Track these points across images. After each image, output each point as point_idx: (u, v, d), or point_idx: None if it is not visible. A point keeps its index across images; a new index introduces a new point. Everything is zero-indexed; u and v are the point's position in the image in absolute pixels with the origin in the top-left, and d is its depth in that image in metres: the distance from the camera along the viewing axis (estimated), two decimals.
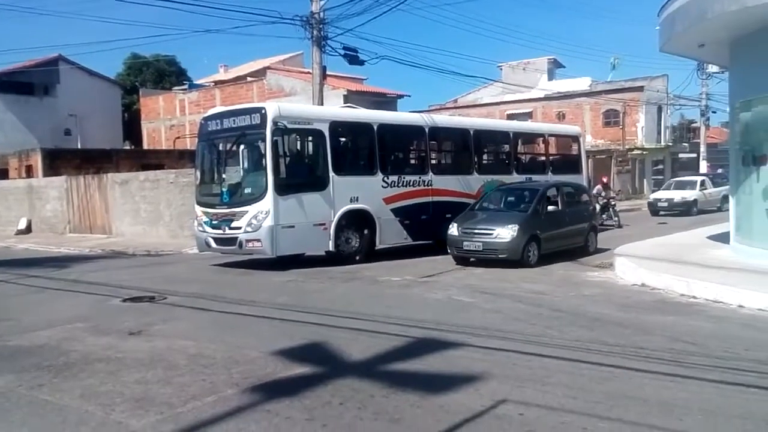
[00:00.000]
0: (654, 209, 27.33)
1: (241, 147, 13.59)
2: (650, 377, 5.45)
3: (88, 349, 6.87)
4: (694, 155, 45.28)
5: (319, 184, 13.33)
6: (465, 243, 12.67)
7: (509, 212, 13.43)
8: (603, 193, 22.88)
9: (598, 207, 22.43)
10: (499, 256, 12.35)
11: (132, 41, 67.24)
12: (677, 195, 27.26)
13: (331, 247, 13.46)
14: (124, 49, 56.80)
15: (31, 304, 10.09)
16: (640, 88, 41.27)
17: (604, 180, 24.90)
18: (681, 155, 48.57)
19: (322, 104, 19.33)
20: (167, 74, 52.94)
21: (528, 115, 42.95)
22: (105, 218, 22.48)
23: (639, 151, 41.40)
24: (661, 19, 12.02)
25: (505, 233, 12.34)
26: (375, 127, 14.59)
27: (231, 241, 13.07)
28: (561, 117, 42.07)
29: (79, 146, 37.07)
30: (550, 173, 18.81)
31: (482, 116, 37.69)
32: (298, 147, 13.97)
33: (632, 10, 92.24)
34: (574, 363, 5.88)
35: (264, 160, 12.82)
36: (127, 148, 42.51)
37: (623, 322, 7.60)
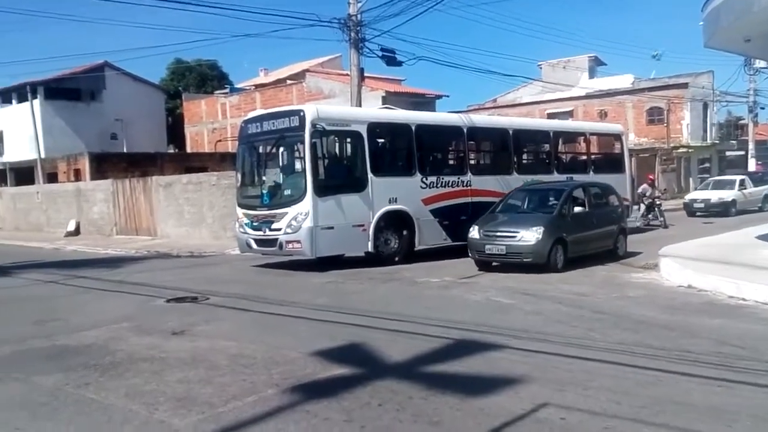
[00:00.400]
0: (690, 210, 26.26)
1: (281, 149, 13.72)
2: (697, 382, 5.31)
3: (132, 348, 7.01)
4: (742, 153, 44.04)
5: (358, 185, 13.36)
6: (487, 246, 12.04)
7: (533, 214, 12.80)
8: (648, 192, 22.25)
9: (643, 207, 22.02)
10: (524, 260, 11.74)
11: (175, 46, 68.77)
12: (714, 195, 26.13)
13: (370, 248, 13.48)
14: (168, 54, 58.03)
15: (79, 305, 10.35)
16: (685, 85, 40.35)
17: (651, 179, 24.09)
18: (728, 153, 47.34)
19: (360, 106, 19.39)
20: (209, 78, 53.81)
21: (569, 114, 42.38)
22: (150, 220, 22.94)
23: (684, 150, 40.47)
24: (705, 14, 11.71)
25: (529, 236, 11.70)
26: (413, 128, 14.57)
27: (271, 242, 13.19)
28: (603, 115, 41.37)
29: (124, 150, 37.95)
30: (591, 173, 18.51)
31: (522, 116, 37.30)
32: (337, 148, 14.05)
33: (675, 5, 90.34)
34: (617, 366, 5.76)
35: (303, 162, 12.92)
36: (171, 151, 43.36)
37: (669, 325, 7.42)
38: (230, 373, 5.89)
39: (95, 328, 8.11)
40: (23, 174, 38.03)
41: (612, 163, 20.08)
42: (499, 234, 12.10)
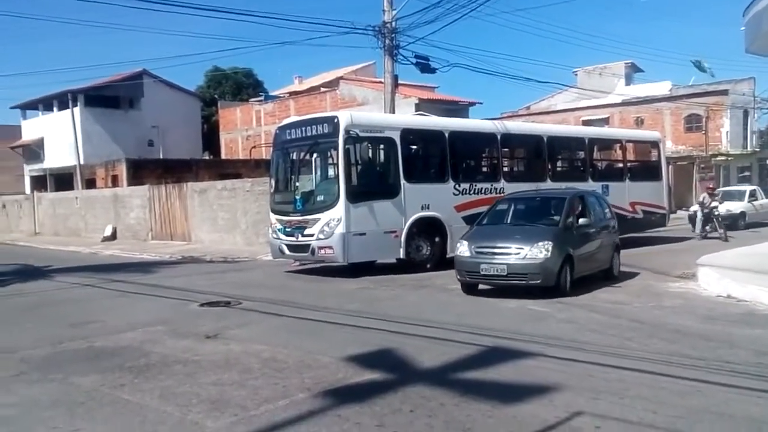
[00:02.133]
0: (695, 222, 22.43)
1: (314, 155, 13.81)
2: (736, 392, 5.18)
3: (167, 351, 7.11)
4: None
5: (391, 191, 13.36)
6: (483, 266, 9.96)
7: (534, 226, 10.78)
8: (706, 202, 20.16)
9: (699, 217, 20.27)
10: (530, 282, 9.78)
11: (212, 55, 69.81)
12: (721, 207, 22.03)
13: (402, 254, 13.46)
14: (205, 62, 59.14)
15: (115, 307, 10.53)
16: (725, 92, 39.53)
17: (710, 188, 21.68)
18: None
19: (393, 113, 19.43)
20: (245, 86, 54.52)
21: (605, 121, 41.85)
22: (184, 226, 23.26)
23: (723, 158, 39.66)
24: (747, 18, 11.49)
25: (535, 252, 9.72)
26: (446, 135, 14.56)
27: (304, 248, 13.25)
28: (639, 122, 40.78)
29: (161, 156, 38.61)
30: (627, 180, 18.41)
31: (556, 123, 36.97)
32: (370, 155, 14.08)
33: (714, 11, 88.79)
34: (654, 376, 5.65)
35: (336, 168, 12.99)
36: (206, 158, 43.94)
37: (707, 335, 7.26)
38: (263, 377, 5.92)
39: (131, 331, 8.24)
40: (63, 180, 38.94)
41: (648, 170, 19.85)
42: (497, 251, 10.06)
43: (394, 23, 18.98)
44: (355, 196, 12.83)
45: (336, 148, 12.85)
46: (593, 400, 5.05)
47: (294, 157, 14.12)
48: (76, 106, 39.01)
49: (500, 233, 10.67)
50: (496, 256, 10.01)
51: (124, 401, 5.39)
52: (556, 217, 10.82)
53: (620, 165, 19.28)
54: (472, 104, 37.35)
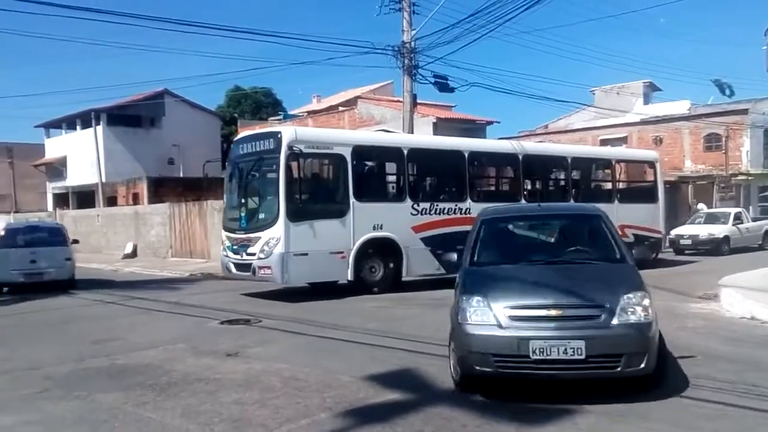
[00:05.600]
0: (677, 248, 22.64)
1: (259, 171, 13.34)
2: (766, 417, 5.09)
3: (188, 369, 7.14)
4: None
5: (337, 210, 12.98)
6: (536, 345, 5.35)
7: (593, 264, 6.54)
8: None
9: None
10: (627, 369, 5.39)
11: (233, 74, 70.57)
12: (703, 231, 22.75)
13: (350, 276, 13.06)
14: (225, 82, 59.76)
15: (136, 325, 10.61)
16: (745, 111, 39.21)
17: None
18: None
19: (412, 131, 19.52)
20: (264, 105, 55.01)
21: (623, 141, 41.61)
22: (204, 243, 23.41)
23: (744, 177, 39.27)
24: None
25: (629, 314, 5.53)
26: (405, 152, 14.02)
27: (246, 266, 12.88)
28: (658, 142, 40.50)
29: (181, 175, 38.94)
30: (617, 202, 17.33)
31: (574, 142, 36.87)
32: (316, 172, 13.74)
33: (734, 31, 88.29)
34: (679, 399, 5.57)
35: (277, 185, 12.53)
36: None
37: (732, 357, 7.15)
38: (284, 396, 5.93)
39: (152, 348, 8.30)
40: (85, 197, 39.41)
41: (643, 192, 18.84)
42: (560, 312, 5.51)
43: (413, 43, 19.14)
44: (297, 214, 12.37)
45: (278, 164, 12.42)
46: (618, 423, 4.99)
47: (242, 173, 13.60)
48: (98, 125, 39.53)
49: (542, 280, 6.03)
50: (566, 322, 5.50)
51: (146, 419, 5.42)
52: (614, 249, 6.73)
53: (608, 186, 18.43)
54: (490, 123, 37.22)
